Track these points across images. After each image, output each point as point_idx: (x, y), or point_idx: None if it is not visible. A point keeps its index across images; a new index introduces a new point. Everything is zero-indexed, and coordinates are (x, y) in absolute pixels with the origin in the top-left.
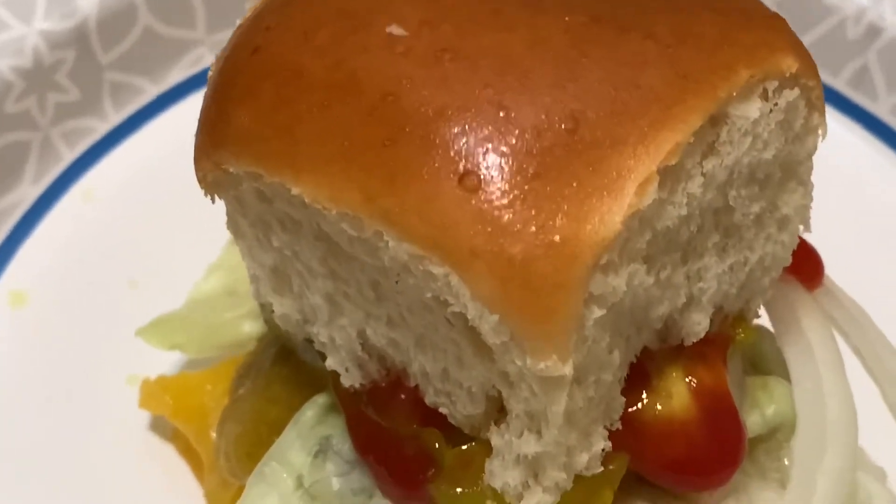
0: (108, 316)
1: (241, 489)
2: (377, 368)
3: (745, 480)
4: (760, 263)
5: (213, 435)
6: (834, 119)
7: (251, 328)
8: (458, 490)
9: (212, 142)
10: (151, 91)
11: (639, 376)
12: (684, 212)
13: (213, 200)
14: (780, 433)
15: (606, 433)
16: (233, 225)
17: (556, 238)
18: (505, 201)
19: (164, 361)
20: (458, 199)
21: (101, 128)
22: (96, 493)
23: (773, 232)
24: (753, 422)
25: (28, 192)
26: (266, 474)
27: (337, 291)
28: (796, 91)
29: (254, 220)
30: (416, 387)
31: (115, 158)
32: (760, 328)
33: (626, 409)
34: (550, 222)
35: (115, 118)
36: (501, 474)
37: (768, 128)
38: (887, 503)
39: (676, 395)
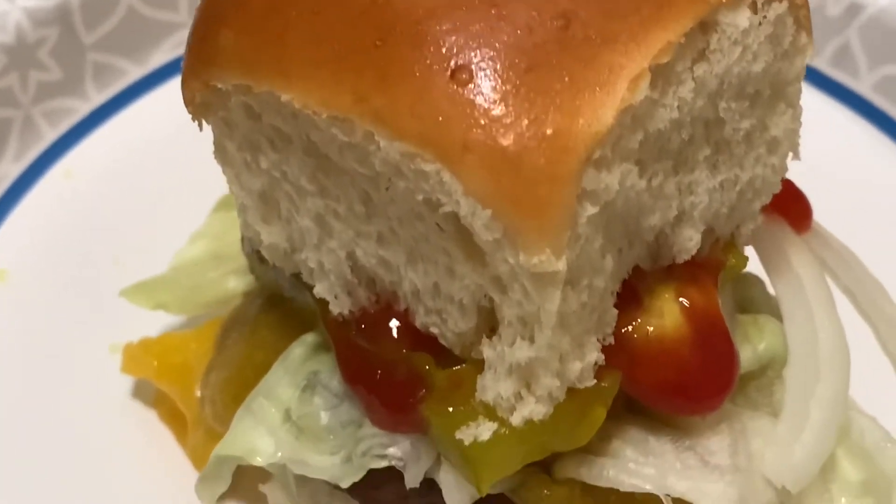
0: (89, 290)
1: None
2: (366, 294)
3: (736, 411)
4: (751, 185)
5: (198, 392)
6: (816, 97)
7: (236, 284)
8: (450, 409)
9: (200, 60)
10: (134, 73)
11: (631, 296)
12: (675, 115)
13: (200, 127)
14: (770, 370)
15: (599, 346)
16: (220, 151)
17: (549, 131)
18: (497, 95)
19: (148, 329)
20: (450, 94)
21: (83, 108)
22: (78, 461)
23: (763, 153)
24: (745, 357)
25: (9, 169)
26: (253, 409)
27: (326, 211)
28: (784, 5)
29: (241, 142)
30: (406, 311)
31: (96, 139)
32: (749, 274)
33: (618, 327)
34: (543, 115)
35: (97, 99)
36: (493, 387)
37: (758, 40)
38: (880, 439)
39: (669, 315)
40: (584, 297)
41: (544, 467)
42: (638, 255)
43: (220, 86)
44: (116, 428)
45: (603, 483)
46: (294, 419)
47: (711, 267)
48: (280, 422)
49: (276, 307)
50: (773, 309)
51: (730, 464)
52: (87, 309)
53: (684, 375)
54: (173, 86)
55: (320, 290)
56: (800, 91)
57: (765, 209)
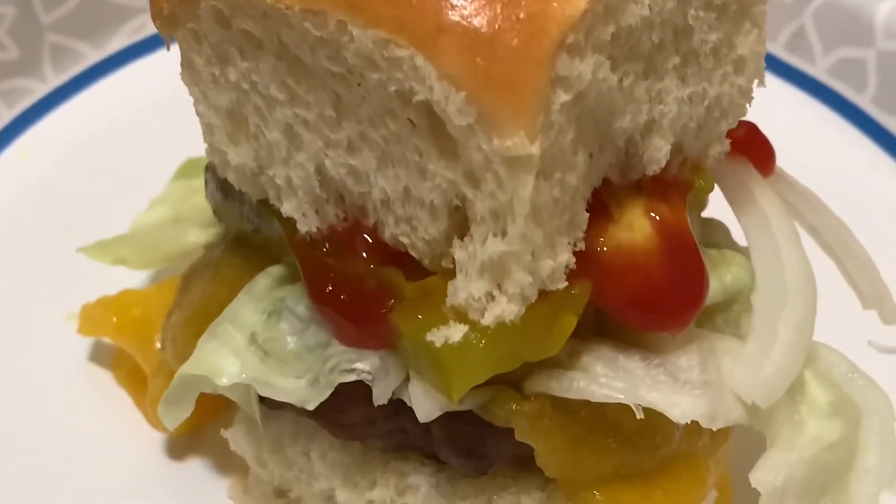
0: (45, 261)
1: None
2: (335, 211)
3: (706, 333)
4: (718, 103)
5: (158, 343)
6: (772, 82)
7: (197, 237)
8: (420, 315)
9: None
10: (92, 56)
11: (601, 209)
12: (646, 13)
13: (167, 47)
14: (737, 304)
15: (571, 248)
16: (187, 69)
17: (523, 14)
18: None
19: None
20: None
21: (40, 89)
22: (34, 426)
23: (730, 72)
24: (712, 288)
25: None
26: (218, 333)
27: (296, 120)
28: None
29: (210, 54)
30: (375, 226)
31: (53, 120)
32: (714, 220)
33: (588, 238)
34: None
35: (54, 81)
36: (465, 288)
37: None
38: (847, 371)
39: (639, 228)
40: (556, 192)
41: (514, 385)
42: (609, 163)
43: None
44: (73, 392)
45: (573, 395)
46: (259, 342)
47: (680, 186)
48: (245, 344)
49: (239, 248)
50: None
51: (699, 380)
52: (42, 279)
53: (654, 288)
54: (131, 71)
55: (288, 208)
56: (765, 14)
57: (730, 151)
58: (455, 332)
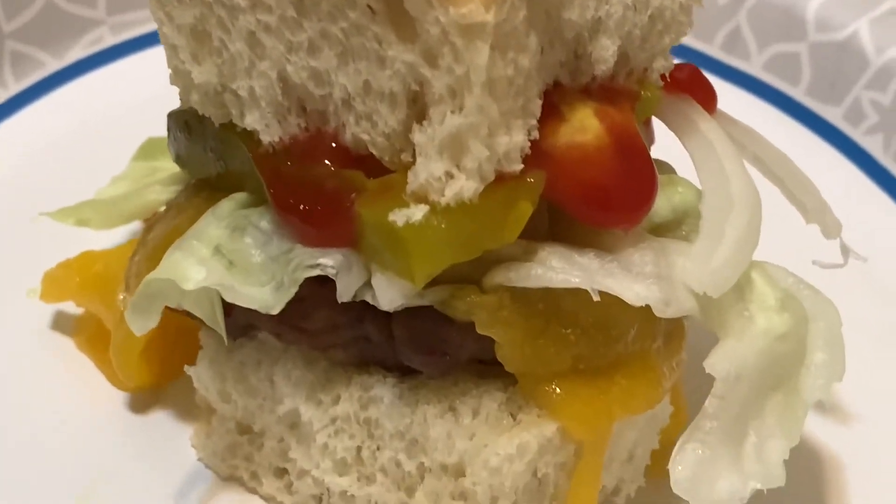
0: (7, 247)
1: (148, 339)
2: (297, 121)
3: (657, 238)
4: (661, 15)
5: (121, 295)
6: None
7: (158, 195)
8: (382, 203)
9: None
10: (51, 65)
11: (553, 110)
12: None
13: None
14: (685, 224)
15: (526, 131)
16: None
17: None
18: None
19: None
20: None
21: (1, 95)
22: None
23: None
24: (660, 206)
25: None
26: (183, 246)
27: (258, 27)
28: None
29: None
30: (336, 133)
31: (11, 125)
32: (658, 159)
33: (542, 134)
34: None
35: (14, 87)
36: (425, 168)
37: None
38: (793, 283)
39: (590, 127)
40: (510, 71)
41: (474, 282)
42: (559, 60)
43: None
44: (35, 360)
45: (531, 283)
46: (224, 253)
47: (628, 95)
48: (210, 255)
49: (202, 191)
50: None
51: (653, 272)
52: (3, 262)
53: (606, 183)
54: (90, 81)
55: (251, 120)
56: None
57: (674, 91)
58: (416, 212)
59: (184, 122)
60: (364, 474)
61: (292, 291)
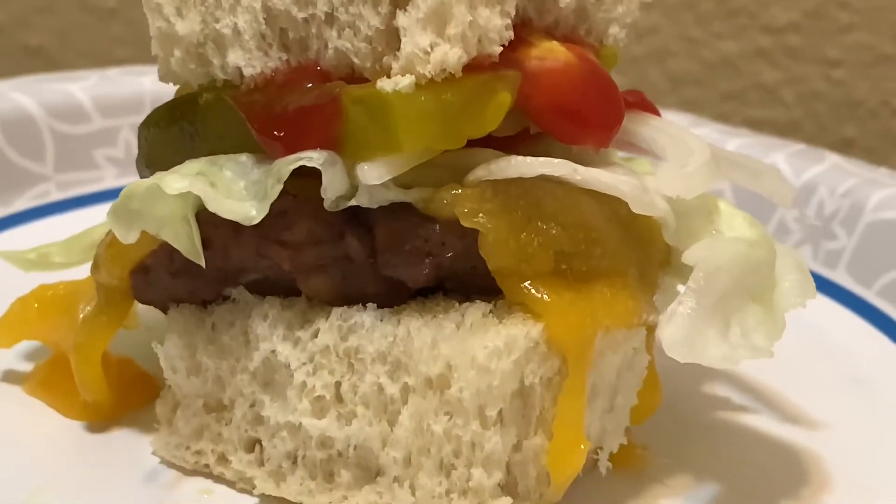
0: None
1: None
2: (278, 55)
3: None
4: None
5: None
6: None
7: None
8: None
9: None
10: None
11: (523, 42)
12: None
13: None
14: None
15: (507, 19)
16: None
17: None
18: None
19: None
20: None
21: None
22: None
23: None
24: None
25: None
26: (162, 176)
27: None
28: None
29: None
30: (317, 62)
31: None
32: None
33: (513, 56)
34: None
35: None
36: (410, 43)
37: None
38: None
39: (559, 52)
40: None
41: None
42: None
43: None
44: None
45: (511, 173)
46: (207, 175)
47: (590, 46)
48: (193, 175)
49: None
50: None
51: (626, 175)
52: None
53: (577, 97)
54: (32, 229)
55: (234, 58)
56: None
57: (628, 108)
58: (403, 80)
59: (155, 120)
60: (343, 413)
61: (276, 191)
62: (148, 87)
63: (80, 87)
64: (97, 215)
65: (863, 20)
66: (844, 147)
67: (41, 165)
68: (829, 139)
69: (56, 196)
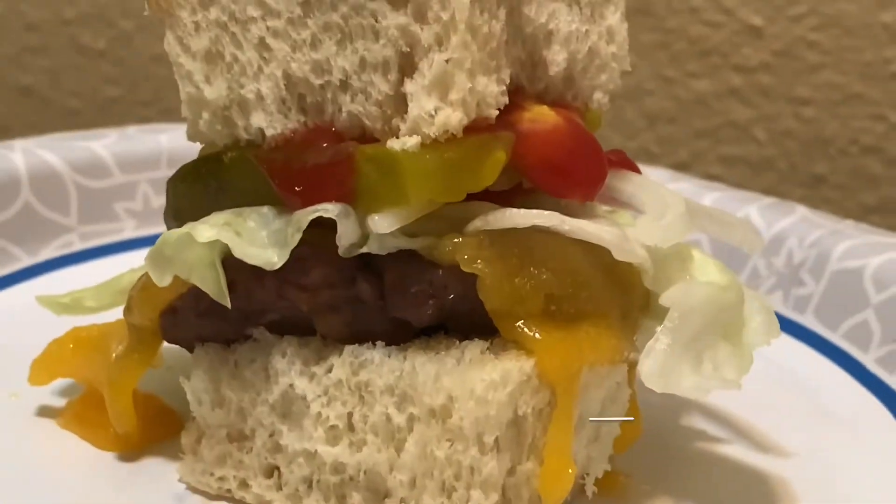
0: None
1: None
2: (297, 117)
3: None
4: (598, 53)
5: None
6: None
7: None
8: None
9: None
10: (25, 260)
11: (516, 106)
12: None
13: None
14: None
15: (501, 87)
16: (173, 37)
17: None
18: None
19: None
20: None
21: None
22: None
23: (604, 34)
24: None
25: None
26: (193, 226)
27: (268, 33)
28: None
29: (195, 5)
30: (332, 123)
31: None
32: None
33: (506, 119)
34: None
35: None
36: (417, 107)
37: None
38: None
39: (548, 115)
40: (485, 28)
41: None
42: (520, 58)
43: None
44: (21, 442)
45: (506, 223)
46: (232, 226)
47: (576, 109)
48: (220, 225)
49: None
50: None
51: (609, 225)
52: None
53: (564, 154)
54: (56, 277)
55: (256, 120)
56: (622, 7)
57: (610, 167)
58: (410, 141)
59: (182, 176)
60: (354, 441)
61: (296, 240)
62: (164, 144)
63: (102, 144)
64: (117, 263)
65: (831, 60)
66: (815, 183)
67: (66, 217)
68: (800, 176)
69: (79, 246)
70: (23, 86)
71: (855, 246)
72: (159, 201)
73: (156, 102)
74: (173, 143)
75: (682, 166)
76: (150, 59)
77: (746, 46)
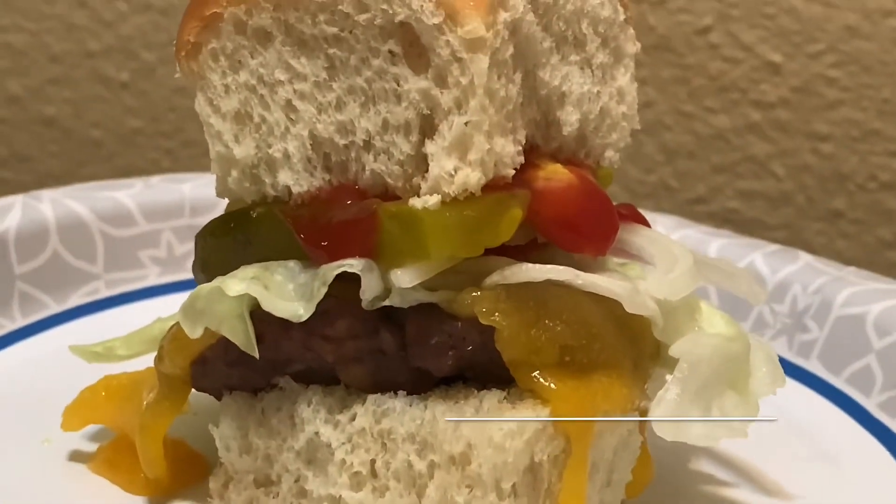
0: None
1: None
2: (322, 175)
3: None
4: (609, 113)
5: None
6: None
7: None
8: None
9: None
10: (53, 307)
11: (531, 165)
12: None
13: (192, 79)
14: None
15: (518, 146)
16: (203, 90)
17: None
18: None
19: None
20: None
21: (8, 326)
22: None
23: (614, 94)
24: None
25: None
26: (223, 280)
27: (294, 95)
28: None
29: (224, 69)
30: (356, 181)
31: (14, 352)
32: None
33: (522, 177)
34: None
35: (20, 321)
36: (437, 167)
37: None
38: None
39: (562, 174)
40: (502, 92)
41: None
42: (535, 119)
43: (216, 9)
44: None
45: (522, 277)
46: (260, 279)
47: (588, 167)
48: (249, 279)
49: None
50: None
51: (621, 280)
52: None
53: (577, 212)
54: (83, 324)
55: (284, 178)
56: (632, 67)
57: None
58: (431, 199)
59: (211, 230)
60: (377, 487)
61: (322, 293)
62: (187, 193)
63: (126, 193)
64: (142, 309)
65: (850, 96)
66: (833, 218)
67: (93, 265)
68: (818, 211)
69: (105, 293)
70: (46, 117)
71: (857, 293)
72: (183, 249)
73: (177, 134)
74: (195, 192)
75: (699, 201)
76: (173, 91)
77: (765, 82)
